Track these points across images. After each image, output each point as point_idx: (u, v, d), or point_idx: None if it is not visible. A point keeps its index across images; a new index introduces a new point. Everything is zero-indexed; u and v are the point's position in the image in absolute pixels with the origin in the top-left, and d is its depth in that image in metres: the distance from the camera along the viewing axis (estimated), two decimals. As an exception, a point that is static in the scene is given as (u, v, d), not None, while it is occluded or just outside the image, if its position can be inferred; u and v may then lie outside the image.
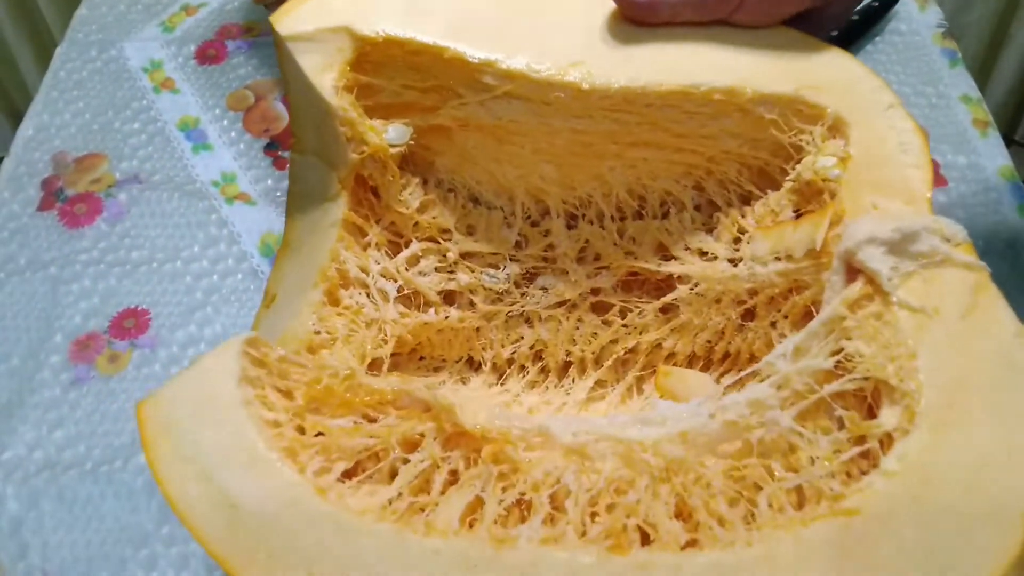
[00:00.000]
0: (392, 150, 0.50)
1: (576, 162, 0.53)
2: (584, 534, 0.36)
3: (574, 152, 0.53)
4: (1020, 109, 1.57)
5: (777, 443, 0.40)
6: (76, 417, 0.56)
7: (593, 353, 0.53)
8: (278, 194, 0.67)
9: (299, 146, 0.52)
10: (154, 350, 0.59)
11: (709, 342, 0.52)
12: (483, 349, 0.54)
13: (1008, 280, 0.62)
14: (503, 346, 0.53)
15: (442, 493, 0.38)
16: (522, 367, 0.54)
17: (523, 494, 0.38)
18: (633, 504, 0.37)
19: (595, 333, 0.54)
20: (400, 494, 0.38)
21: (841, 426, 0.40)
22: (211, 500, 0.36)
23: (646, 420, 0.40)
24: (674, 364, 0.53)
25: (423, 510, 0.38)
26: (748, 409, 0.40)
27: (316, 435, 0.39)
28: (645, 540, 0.37)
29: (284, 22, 0.49)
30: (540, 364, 0.54)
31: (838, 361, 0.41)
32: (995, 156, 0.69)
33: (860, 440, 0.39)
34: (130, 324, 0.60)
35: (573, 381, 0.53)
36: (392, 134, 0.50)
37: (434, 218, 0.53)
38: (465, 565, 0.35)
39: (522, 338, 0.54)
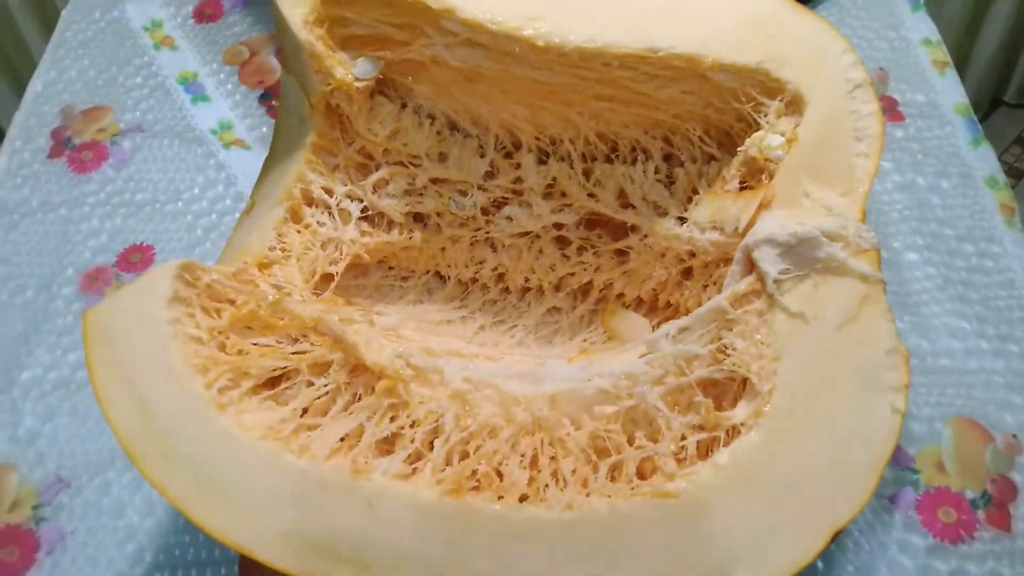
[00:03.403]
0: (358, 84, 0.53)
1: (545, 105, 0.55)
2: (443, 471, 0.41)
3: (541, 97, 0.54)
4: (1008, 69, 1.59)
5: (646, 414, 0.43)
6: (87, 342, 0.60)
7: (550, 283, 0.57)
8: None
9: (286, 65, 0.55)
10: (157, 282, 0.63)
11: (655, 290, 0.55)
12: (448, 267, 0.57)
13: (961, 208, 0.66)
14: (466, 266, 0.57)
15: (344, 411, 0.43)
16: (484, 286, 0.57)
17: (401, 428, 0.42)
18: (490, 453, 0.42)
19: (553, 265, 0.57)
20: (295, 413, 0.43)
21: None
22: (130, 401, 0.41)
23: (535, 376, 0.45)
24: (623, 304, 0.56)
25: (314, 429, 0.42)
26: (623, 380, 0.43)
27: (237, 352, 0.44)
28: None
29: None
30: (502, 285, 0.57)
31: (718, 349, 0.43)
32: (952, 94, 0.72)
33: (714, 428, 0.42)
34: (135, 259, 0.65)
35: (529, 305, 0.57)
36: (360, 68, 0.53)
37: (405, 145, 0.56)
38: (322, 487, 0.40)
39: (485, 261, 0.57)
